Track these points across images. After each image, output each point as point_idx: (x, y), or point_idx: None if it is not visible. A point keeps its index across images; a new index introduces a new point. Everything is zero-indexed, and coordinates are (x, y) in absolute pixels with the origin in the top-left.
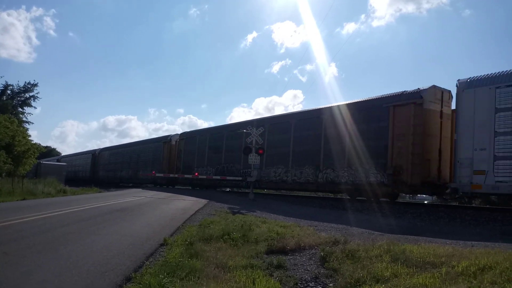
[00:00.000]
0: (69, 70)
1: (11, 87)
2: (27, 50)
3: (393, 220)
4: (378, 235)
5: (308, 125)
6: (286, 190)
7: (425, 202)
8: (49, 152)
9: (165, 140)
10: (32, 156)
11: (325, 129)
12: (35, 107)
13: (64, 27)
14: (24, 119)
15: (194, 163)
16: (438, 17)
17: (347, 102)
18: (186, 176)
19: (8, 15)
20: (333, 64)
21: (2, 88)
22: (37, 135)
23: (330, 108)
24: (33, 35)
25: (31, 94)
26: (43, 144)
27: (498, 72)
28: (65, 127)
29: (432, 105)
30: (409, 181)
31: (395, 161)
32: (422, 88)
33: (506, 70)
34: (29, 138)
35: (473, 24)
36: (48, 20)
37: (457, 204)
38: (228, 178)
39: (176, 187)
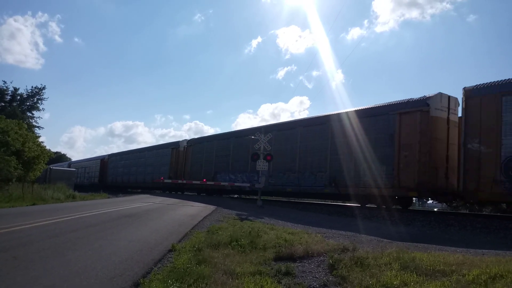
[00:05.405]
0: (75, 76)
1: (19, 92)
2: (35, 56)
3: (402, 227)
4: (387, 243)
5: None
6: None
7: (435, 209)
8: (59, 158)
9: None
10: (42, 161)
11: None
12: (43, 109)
13: (69, 32)
14: (34, 123)
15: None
16: (442, 22)
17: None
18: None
19: (15, 20)
20: (339, 70)
21: (11, 94)
22: (46, 140)
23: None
24: (40, 41)
25: (38, 97)
26: (52, 150)
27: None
28: (73, 133)
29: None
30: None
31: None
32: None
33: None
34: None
35: (478, 29)
36: (54, 26)
37: (467, 212)
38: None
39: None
